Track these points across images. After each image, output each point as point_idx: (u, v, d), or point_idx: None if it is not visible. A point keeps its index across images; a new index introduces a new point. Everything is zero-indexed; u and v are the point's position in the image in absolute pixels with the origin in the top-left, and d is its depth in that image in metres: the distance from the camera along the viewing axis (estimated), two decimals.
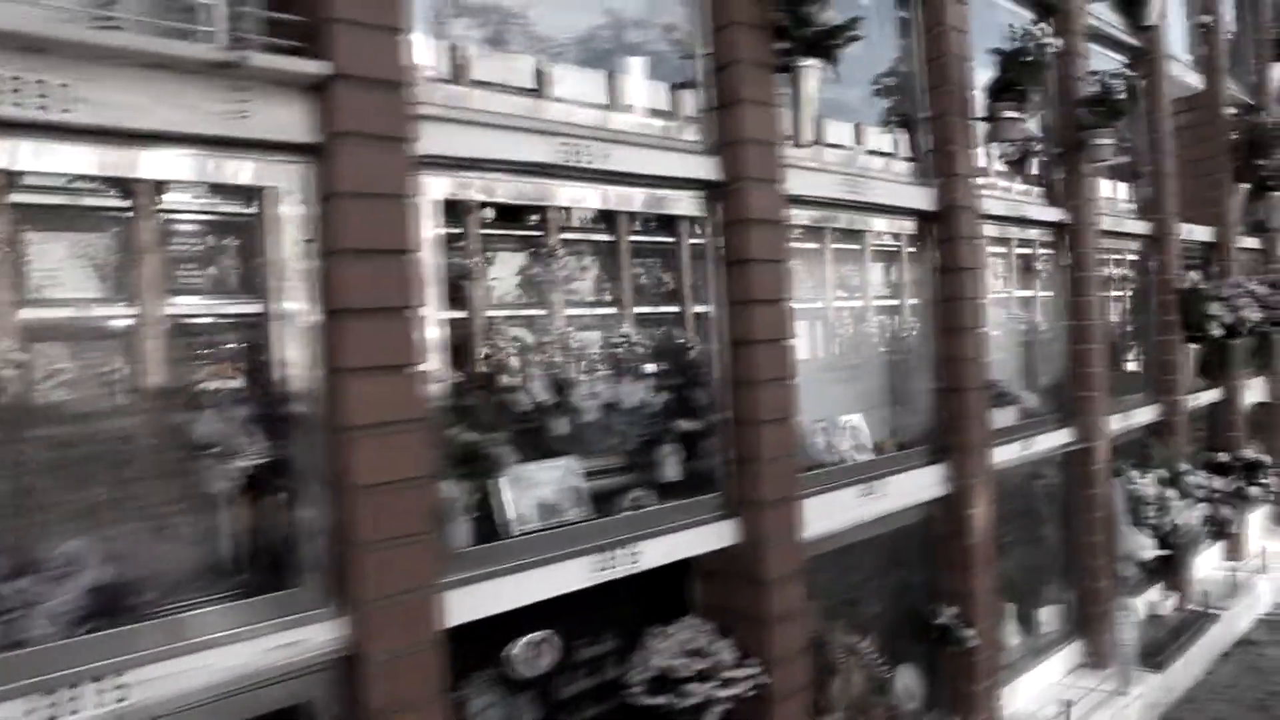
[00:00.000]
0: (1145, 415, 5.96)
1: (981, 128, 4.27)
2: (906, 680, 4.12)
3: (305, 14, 2.26)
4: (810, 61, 3.23)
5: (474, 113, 2.60)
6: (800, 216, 3.60)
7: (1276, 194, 7.85)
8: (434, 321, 2.54)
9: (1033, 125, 5.11)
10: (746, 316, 3.14)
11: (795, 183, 3.38)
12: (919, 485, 3.99)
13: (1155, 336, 6.16)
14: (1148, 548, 5.16)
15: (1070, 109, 5.03)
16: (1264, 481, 6.86)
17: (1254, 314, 6.72)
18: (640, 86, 3.14)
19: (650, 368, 3.19)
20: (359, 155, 2.28)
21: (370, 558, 2.26)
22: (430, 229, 2.51)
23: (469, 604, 2.52)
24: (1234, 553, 7.18)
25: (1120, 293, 6.08)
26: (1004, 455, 4.54)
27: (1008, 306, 5.05)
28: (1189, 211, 7.07)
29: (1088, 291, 5.07)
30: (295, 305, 2.28)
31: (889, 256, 4.19)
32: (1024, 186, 5.09)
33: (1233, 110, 7.40)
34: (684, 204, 3.17)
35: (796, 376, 3.29)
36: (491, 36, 2.79)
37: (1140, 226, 6.03)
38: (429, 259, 2.49)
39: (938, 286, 4.12)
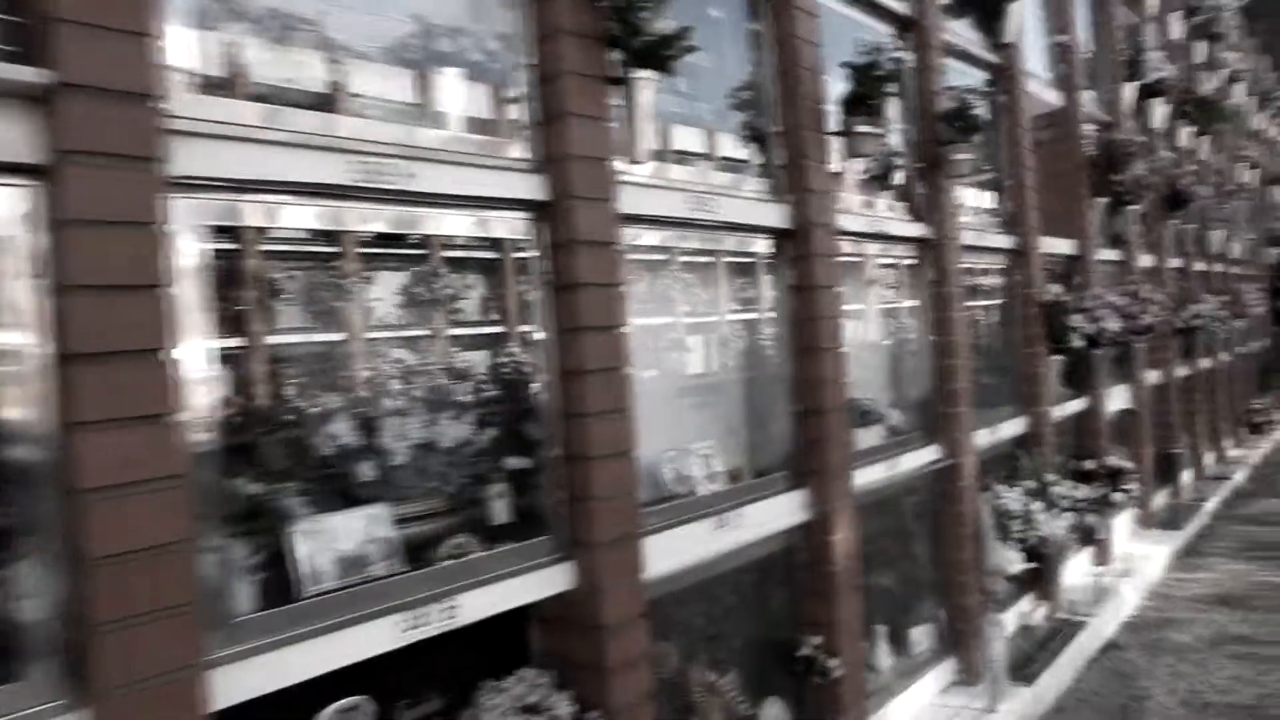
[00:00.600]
0: (1013, 428, 6.02)
1: (837, 142, 4.19)
2: (771, 715, 3.97)
3: (27, 14, 1.96)
4: (644, 73, 3.06)
5: (247, 128, 2.32)
6: (643, 236, 3.43)
7: (1132, 208, 8.15)
8: (205, 360, 2.25)
9: (893, 140, 5.10)
10: (577, 344, 2.93)
11: (632, 201, 3.19)
12: (777, 513, 3.86)
13: (1021, 349, 6.24)
14: (1016, 561, 5.17)
15: (929, 124, 5.02)
16: (1127, 487, 7.05)
17: (1114, 325, 6.90)
18: (455, 100, 2.90)
19: (474, 401, 2.95)
20: (92, 177, 1.97)
21: (111, 639, 1.95)
22: (195, 257, 2.23)
23: (248, 680, 2.22)
24: (1101, 558, 7.35)
25: (986, 307, 6.13)
26: (868, 477, 4.46)
27: (871, 323, 5.00)
28: (1051, 225, 7.23)
29: (951, 306, 5.06)
30: (23, 347, 1.97)
31: (745, 275, 4.05)
32: (888, 202, 5.05)
33: (1090, 127, 7.63)
34: (506, 226, 2.95)
35: (634, 407, 3.09)
36: (274, 41, 2.51)
37: (1004, 241, 6.11)
38: (193, 291, 2.21)
39: (794, 306, 4.01)
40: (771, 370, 4.08)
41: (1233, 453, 12.08)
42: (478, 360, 3.02)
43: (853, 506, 4.14)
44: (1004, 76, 6.20)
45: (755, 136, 4.03)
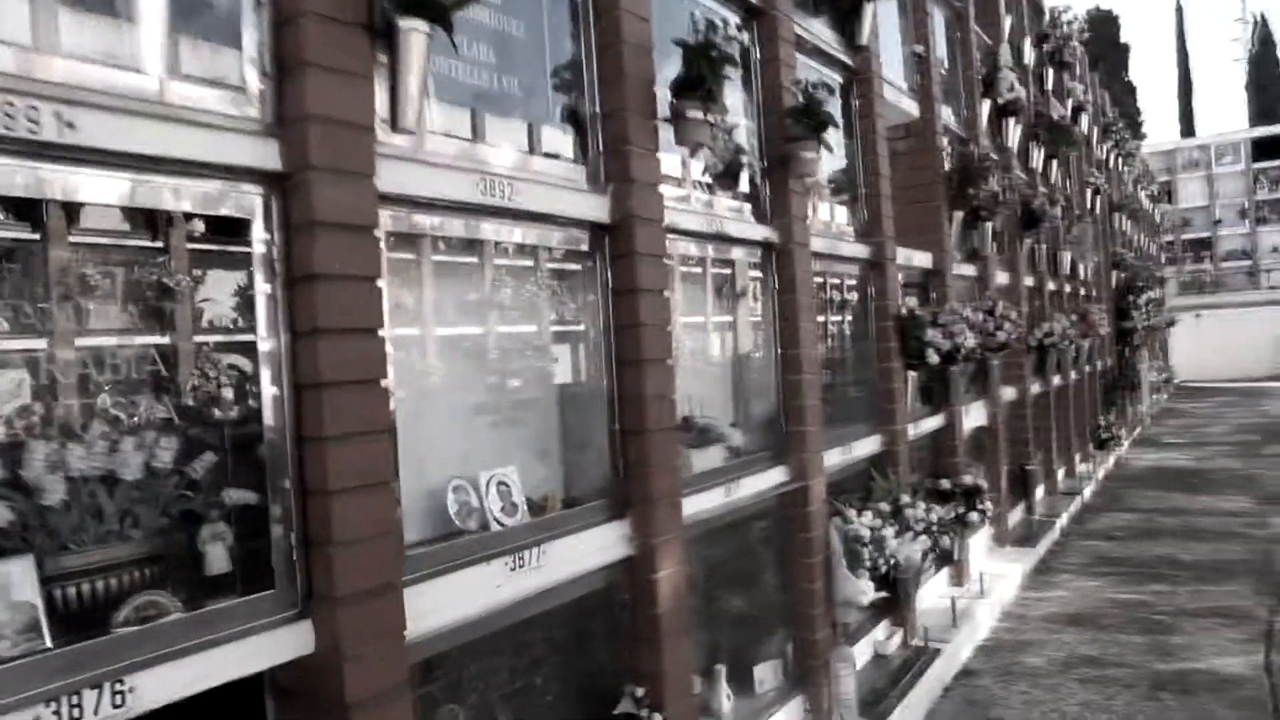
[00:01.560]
0: (866, 447, 5.73)
1: (668, 131, 3.75)
2: None
3: None
4: (414, 23, 2.52)
5: None
6: (419, 222, 2.87)
7: (989, 224, 8.12)
8: None
9: (739, 136, 4.72)
10: (313, 350, 2.35)
11: (398, 179, 2.64)
12: (590, 550, 3.35)
13: (876, 364, 5.97)
14: (867, 591, 4.84)
15: (776, 120, 4.67)
16: (983, 507, 6.90)
17: (970, 340, 6.75)
18: (154, 42, 2.27)
19: (180, 422, 2.33)
20: None
21: None
22: None
23: None
24: (957, 579, 7.19)
25: (839, 319, 5.84)
26: (704, 504, 4.02)
27: (711, 333, 4.59)
28: (908, 237, 7.06)
29: (800, 317, 4.70)
30: None
31: (558, 276, 3.55)
32: (734, 202, 4.66)
33: (947, 140, 7.53)
34: (231, 202, 2.34)
35: (392, 428, 2.54)
36: None
37: (858, 250, 5.84)
38: None
39: (613, 311, 3.53)
40: (592, 385, 3.58)
41: (1081, 468, 12.38)
42: (191, 372, 2.39)
43: (682, 539, 3.68)
44: (859, 79, 5.96)
45: (572, 119, 3.54)
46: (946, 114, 7.78)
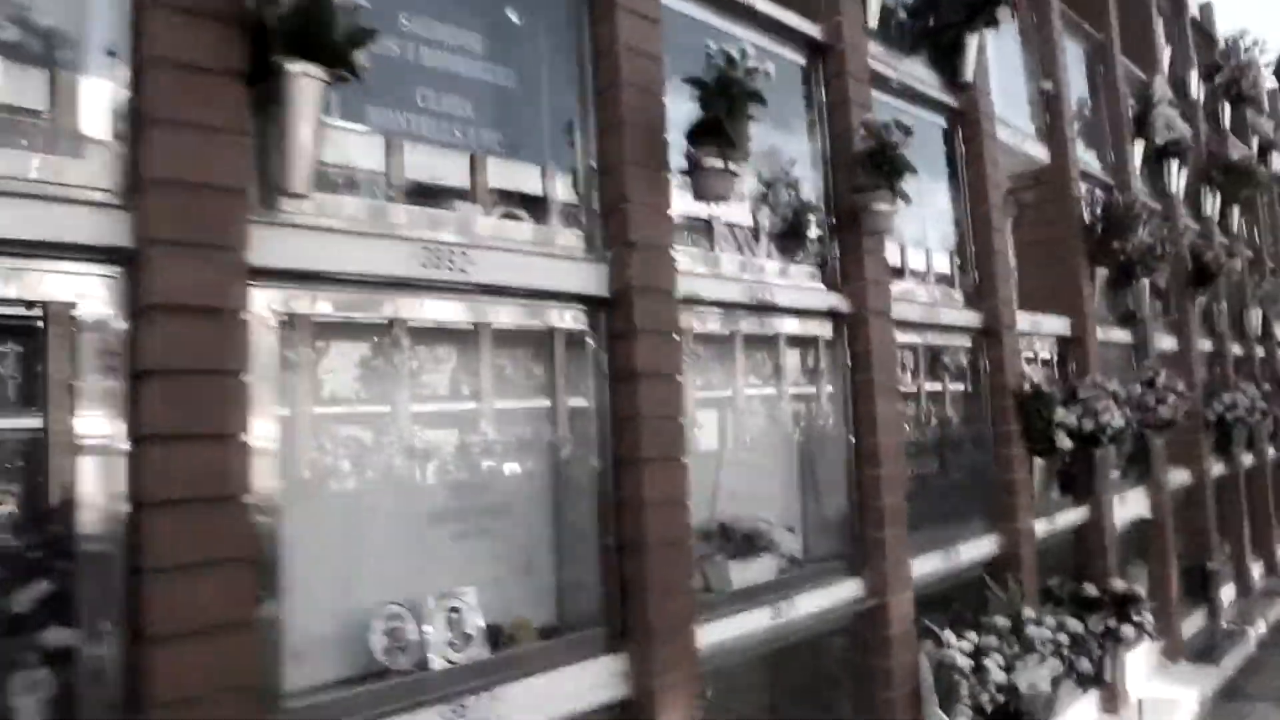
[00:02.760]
0: (978, 550, 4.80)
1: (684, 182, 3.18)
2: None
3: None
4: (303, 66, 2.10)
5: None
6: (341, 301, 2.43)
7: (1144, 281, 6.99)
8: None
9: (807, 188, 4.09)
10: (167, 456, 1.91)
11: (293, 251, 2.21)
12: (568, 692, 2.72)
13: (992, 450, 5.06)
14: None
15: (845, 168, 4.01)
16: (1138, 618, 5.72)
17: (1117, 419, 5.70)
18: None
19: None
20: None
21: None
22: None
23: None
24: (1111, 705, 5.98)
25: (941, 398, 4.98)
26: (741, 628, 3.33)
27: (765, 416, 3.91)
28: (1039, 301, 6.12)
29: (875, 399, 3.95)
30: None
31: (545, 357, 3.01)
32: (802, 267, 4.01)
33: (1086, 188, 6.55)
34: (68, 287, 1.96)
35: (253, 554, 2.05)
36: None
37: (965, 317, 5.00)
38: None
39: (611, 398, 2.95)
40: (582, 487, 3.00)
41: None
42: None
43: (700, 674, 3.00)
44: (963, 121, 5.19)
45: (568, 173, 3.05)
46: (1086, 158, 6.79)
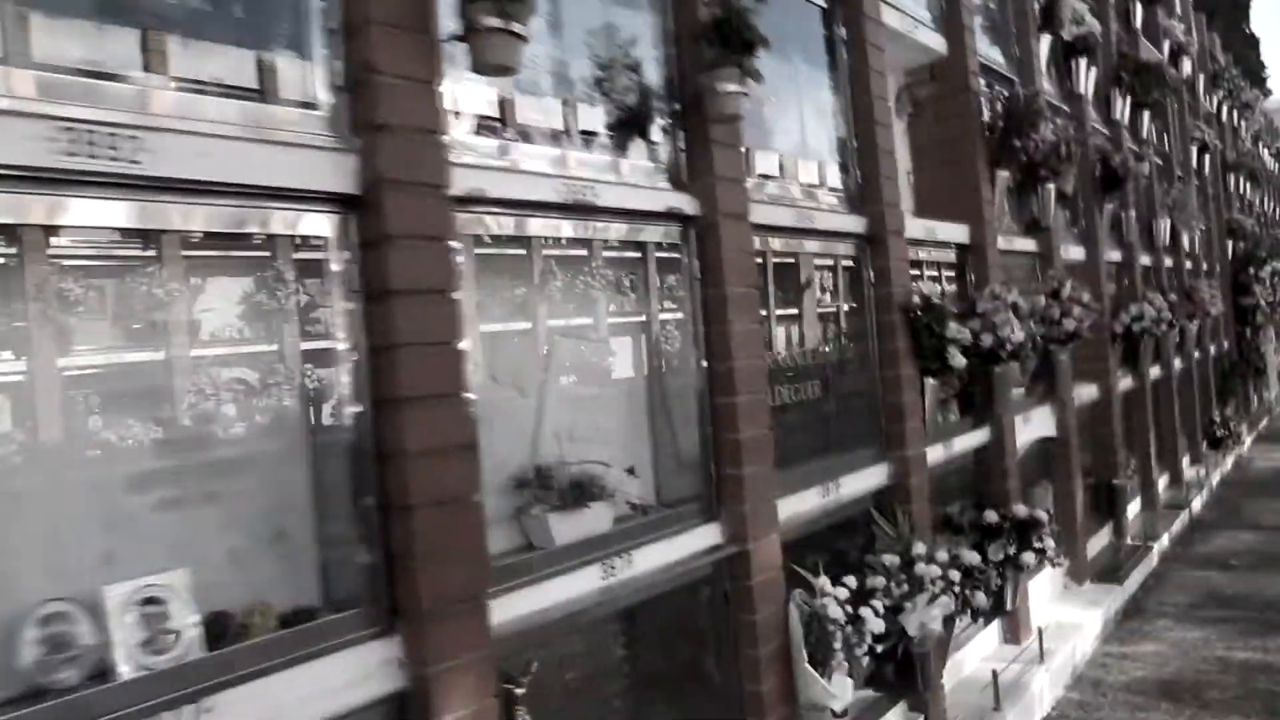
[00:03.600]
0: (863, 482, 4.33)
1: (458, 50, 2.51)
2: None
3: None
4: None
5: None
6: None
7: (1050, 185, 6.55)
8: None
9: (651, 71, 3.45)
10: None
11: None
12: (317, 691, 2.15)
13: (878, 371, 4.57)
14: (841, 694, 3.49)
15: (688, 47, 3.37)
16: (1039, 545, 5.40)
17: (1017, 333, 5.27)
18: None
19: None
20: None
21: None
22: None
23: None
24: (1013, 635, 5.71)
25: (818, 313, 4.46)
26: (568, 590, 2.79)
27: (595, 344, 3.32)
28: (937, 206, 5.63)
29: (729, 316, 3.39)
30: None
31: (271, 275, 2.35)
32: (641, 163, 3.39)
33: (987, 84, 6.02)
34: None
35: None
36: None
37: (846, 222, 4.45)
38: None
39: (365, 323, 2.32)
40: (348, 432, 2.38)
41: (1190, 473, 10.50)
42: None
43: (491, 656, 2.45)
44: (844, 3, 4.57)
45: (291, 43, 2.35)
46: (988, 51, 6.26)
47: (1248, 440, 13.09)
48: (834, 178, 4.63)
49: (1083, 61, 7.76)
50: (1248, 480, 11.11)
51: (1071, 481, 6.77)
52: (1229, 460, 11.60)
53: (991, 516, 5.43)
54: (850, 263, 4.56)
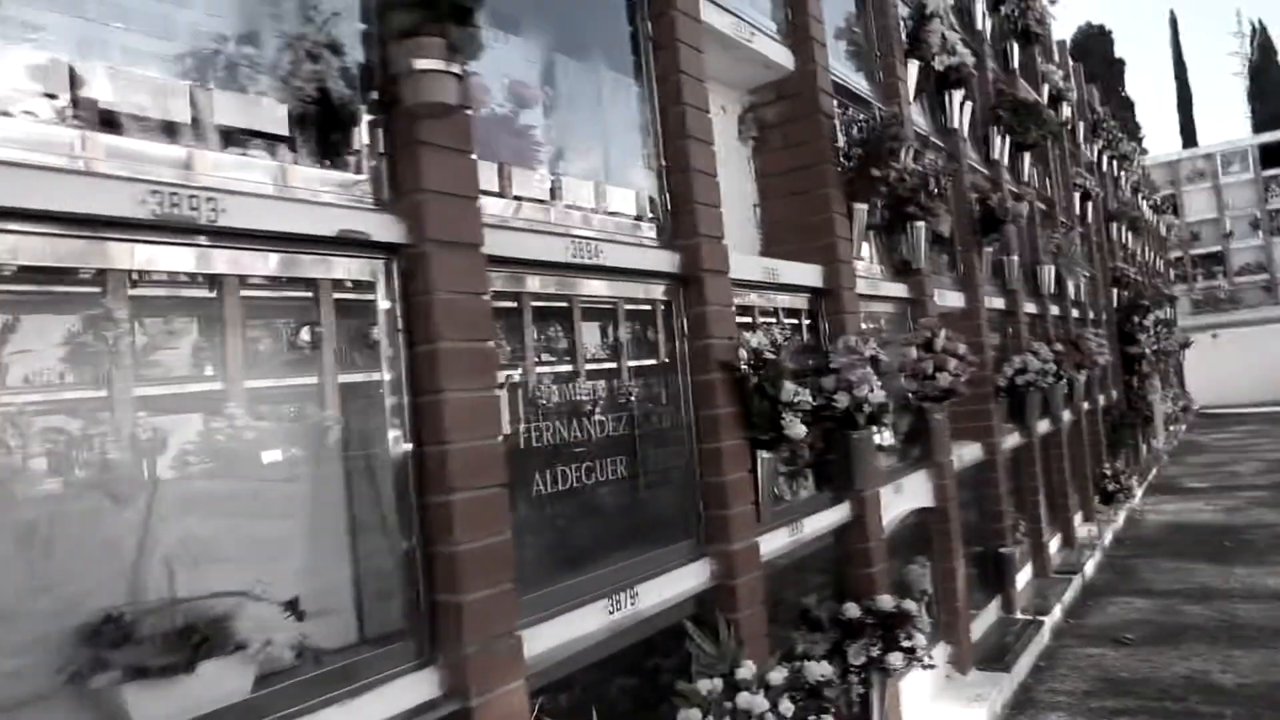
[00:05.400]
0: (671, 588, 3.39)
1: None
2: None
3: None
4: None
5: None
6: None
7: (918, 225, 5.86)
8: None
9: (356, 56, 2.51)
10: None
11: None
12: None
13: (694, 444, 3.66)
14: None
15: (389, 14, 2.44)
16: (908, 643, 4.54)
17: (877, 394, 4.46)
18: None
19: None
20: None
21: None
22: None
23: None
24: None
25: (608, 375, 3.52)
26: None
27: (280, 417, 2.30)
28: (790, 246, 4.83)
29: (441, 380, 2.42)
30: None
31: None
32: (334, 173, 2.43)
33: (843, 107, 5.30)
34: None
35: None
36: None
37: (652, 259, 3.57)
38: None
39: None
40: None
41: (1083, 531, 9.96)
42: None
43: None
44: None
45: None
46: (847, 72, 5.56)
47: (1139, 492, 12.73)
48: (647, 205, 3.76)
49: (957, 94, 7.22)
50: (1139, 536, 10.63)
51: (952, 557, 5.98)
52: (1121, 515, 11.14)
53: (852, 611, 4.58)
54: (660, 310, 3.66)
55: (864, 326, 5.20)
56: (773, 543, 3.98)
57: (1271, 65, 44.88)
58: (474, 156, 2.62)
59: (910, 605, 4.61)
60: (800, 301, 4.82)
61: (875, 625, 4.54)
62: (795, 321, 4.84)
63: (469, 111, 2.54)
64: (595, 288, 3.38)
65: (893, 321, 5.97)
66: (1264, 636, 6.69)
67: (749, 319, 4.26)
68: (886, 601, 4.59)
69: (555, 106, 3.46)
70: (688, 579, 3.47)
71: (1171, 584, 8.48)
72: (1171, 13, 62.98)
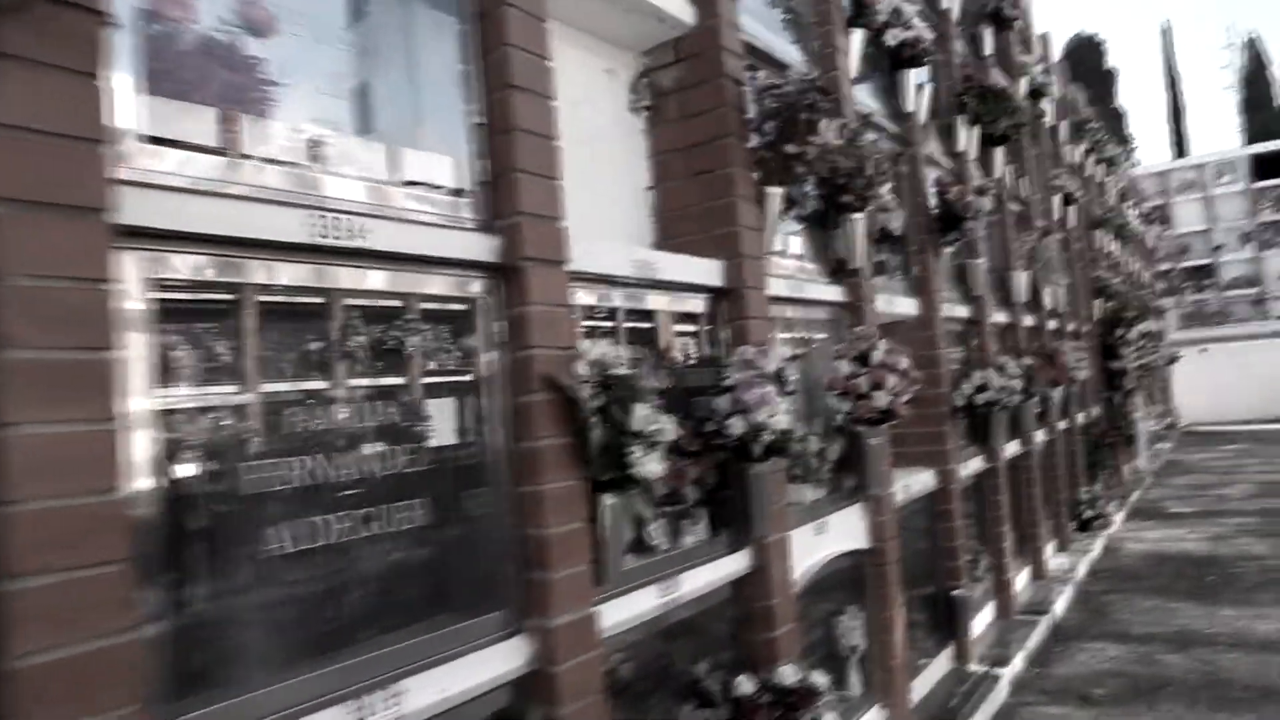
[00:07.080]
0: (469, 676, 2.53)
1: None
2: None
3: None
4: None
5: None
6: None
7: (854, 218, 5.03)
8: None
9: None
10: None
11: None
12: None
13: (507, 487, 2.80)
14: None
15: None
16: None
17: (781, 419, 3.63)
18: None
19: None
20: None
21: None
22: None
23: None
24: None
25: (388, 395, 2.65)
26: None
27: None
28: (681, 234, 4.00)
29: (4, 414, 1.56)
30: None
31: None
32: None
33: (755, 70, 4.45)
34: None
35: None
36: None
37: (448, 243, 2.70)
38: None
39: None
40: None
41: (1055, 563, 9.13)
42: None
43: None
44: None
45: None
46: (763, 32, 4.72)
47: (1119, 517, 11.92)
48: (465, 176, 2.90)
49: (912, 75, 6.39)
50: (1117, 569, 9.79)
51: (889, 605, 5.13)
52: (1099, 544, 10.31)
53: (745, 686, 3.72)
54: (474, 312, 2.80)
55: (778, 336, 4.37)
56: (630, 608, 3.11)
57: (1263, 77, 44.62)
58: (106, 82, 1.76)
59: (817, 680, 3.76)
60: (698, 304, 3.97)
61: (774, 704, 3.69)
62: (694, 328, 4.00)
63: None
64: (375, 280, 2.52)
65: (825, 330, 5.12)
66: (1251, 697, 5.85)
67: (610, 326, 3.40)
68: (788, 674, 3.73)
69: (328, 40, 2.61)
70: (493, 664, 2.60)
71: (1150, 626, 7.64)
72: (1164, 24, 62.79)
